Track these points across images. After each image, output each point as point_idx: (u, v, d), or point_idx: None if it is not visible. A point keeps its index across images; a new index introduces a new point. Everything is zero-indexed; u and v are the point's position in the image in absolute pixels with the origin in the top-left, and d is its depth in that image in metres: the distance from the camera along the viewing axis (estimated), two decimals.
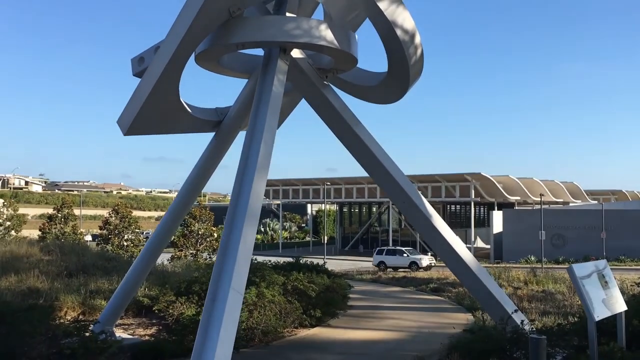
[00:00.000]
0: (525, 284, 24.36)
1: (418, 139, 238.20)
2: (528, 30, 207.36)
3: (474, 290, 12.41)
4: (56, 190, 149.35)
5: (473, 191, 59.33)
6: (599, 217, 51.41)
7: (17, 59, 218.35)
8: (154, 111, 10.66)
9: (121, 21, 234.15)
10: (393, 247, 50.70)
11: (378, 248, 51.83)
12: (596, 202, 70.49)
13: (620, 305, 10.92)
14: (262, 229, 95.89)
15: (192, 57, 10.63)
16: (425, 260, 44.91)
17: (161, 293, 15.09)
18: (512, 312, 11.15)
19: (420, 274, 32.58)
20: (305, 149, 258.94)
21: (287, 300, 14.84)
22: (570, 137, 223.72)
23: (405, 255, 46.25)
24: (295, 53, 11.08)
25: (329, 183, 66.14)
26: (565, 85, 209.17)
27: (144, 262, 12.84)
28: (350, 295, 20.00)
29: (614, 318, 10.85)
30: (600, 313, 10.30)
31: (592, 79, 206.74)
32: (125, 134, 10.93)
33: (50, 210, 57.62)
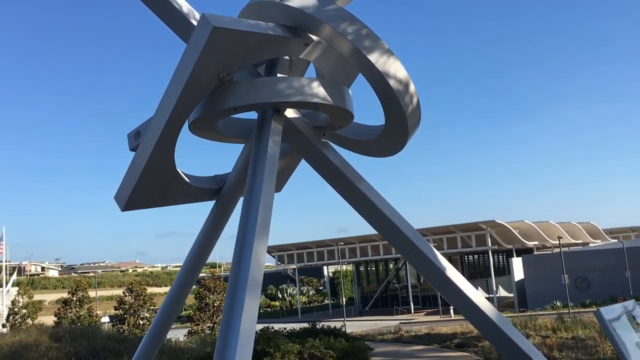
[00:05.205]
0: (553, 331, 23.40)
1: (424, 187, 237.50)
2: (538, 72, 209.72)
3: (498, 343, 11.75)
4: (72, 274, 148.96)
5: (489, 239, 58.36)
6: (621, 255, 50.18)
7: (26, 154, 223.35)
8: (151, 184, 10.42)
9: (129, 102, 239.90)
10: None
11: None
12: (616, 240, 69.08)
13: None
14: (280, 295, 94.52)
15: (187, 126, 10.49)
16: None
17: None
18: None
19: (444, 329, 31.48)
20: (315, 210, 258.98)
21: None
22: (583, 178, 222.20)
23: None
24: (290, 113, 10.90)
25: (342, 243, 65.43)
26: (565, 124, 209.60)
27: (151, 341, 12.29)
28: (372, 359, 19.19)
29: None
30: (635, 358, 9.66)
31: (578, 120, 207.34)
32: (123, 210, 10.66)
33: (66, 295, 57.18)
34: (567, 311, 37.69)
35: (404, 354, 22.14)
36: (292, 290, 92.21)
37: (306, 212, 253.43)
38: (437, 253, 11.45)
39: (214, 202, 12.06)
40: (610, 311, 10.23)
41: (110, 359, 17.36)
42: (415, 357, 21.17)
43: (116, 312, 47.42)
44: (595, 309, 10.37)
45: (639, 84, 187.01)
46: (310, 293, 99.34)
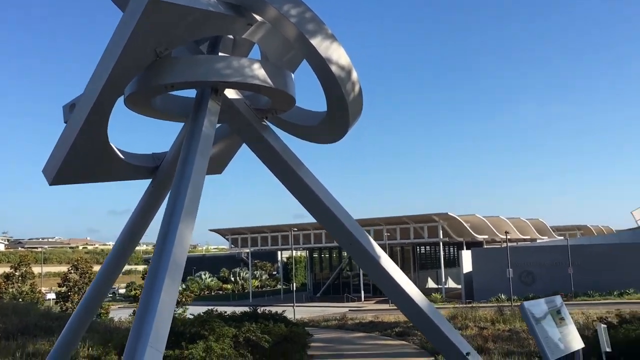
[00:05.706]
0: (492, 323, 23.86)
1: (378, 177, 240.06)
2: (492, 71, 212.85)
3: (427, 333, 11.90)
4: (19, 248, 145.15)
5: (441, 231, 59.29)
6: (565, 252, 51.62)
7: None
8: (81, 158, 10.11)
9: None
10: None
11: None
12: (562, 237, 71.02)
13: (577, 343, 10.53)
14: (232, 279, 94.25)
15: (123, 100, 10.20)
16: None
17: (103, 352, 14.22)
18: (466, 354, 10.63)
19: (389, 317, 31.81)
20: (271, 195, 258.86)
21: (239, 354, 14.07)
22: (535, 176, 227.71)
23: None
24: (232, 94, 10.71)
25: (296, 229, 65.40)
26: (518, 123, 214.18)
27: (79, 319, 11.98)
28: (312, 344, 19.19)
29: (572, 356, 10.47)
30: (556, 352, 9.89)
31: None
32: (51, 184, 10.35)
33: (9, 269, 55.66)
34: (510, 304, 38.56)
35: (344, 340, 22.28)
36: (245, 274, 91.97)
37: (262, 196, 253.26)
38: (374, 243, 11.45)
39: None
40: (535, 305, 10.42)
41: (41, 337, 16.94)
42: (354, 344, 21.32)
43: (60, 289, 46.40)
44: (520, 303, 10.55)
45: (595, 84, 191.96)
46: (263, 277, 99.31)
